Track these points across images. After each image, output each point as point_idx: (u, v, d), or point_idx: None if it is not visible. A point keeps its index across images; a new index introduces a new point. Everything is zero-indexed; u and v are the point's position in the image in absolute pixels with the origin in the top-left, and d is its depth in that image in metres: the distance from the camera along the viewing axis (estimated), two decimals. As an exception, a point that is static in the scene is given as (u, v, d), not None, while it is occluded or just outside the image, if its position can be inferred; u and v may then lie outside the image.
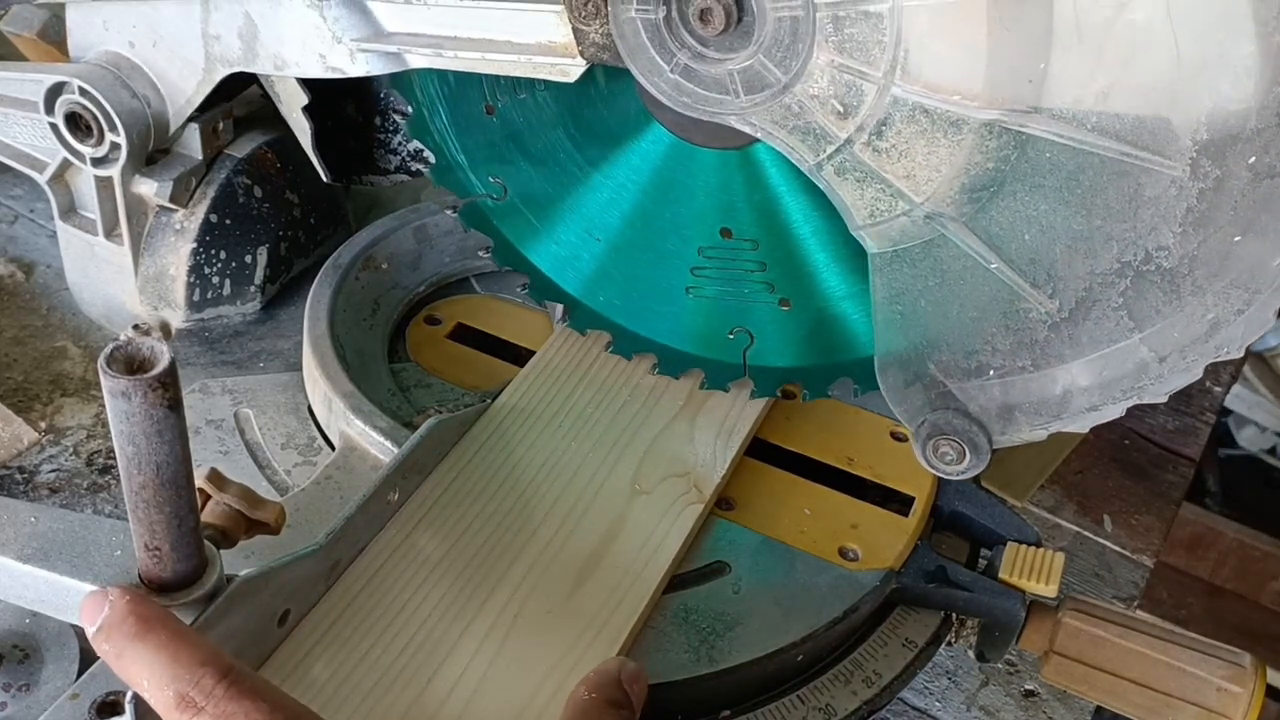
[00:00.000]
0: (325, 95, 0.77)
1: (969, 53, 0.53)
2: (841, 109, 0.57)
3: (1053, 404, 0.61)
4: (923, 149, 0.56)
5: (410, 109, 0.72)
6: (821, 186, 0.60)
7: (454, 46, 0.66)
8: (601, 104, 0.71)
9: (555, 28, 0.63)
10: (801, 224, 0.70)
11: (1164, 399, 0.59)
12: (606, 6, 0.60)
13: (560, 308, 0.78)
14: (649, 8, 0.59)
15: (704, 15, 0.57)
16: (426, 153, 0.76)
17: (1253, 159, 0.52)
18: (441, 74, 0.70)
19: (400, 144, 0.85)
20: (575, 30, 0.62)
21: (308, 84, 0.75)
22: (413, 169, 0.87)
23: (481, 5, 0.64)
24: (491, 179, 0.74)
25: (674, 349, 0.76)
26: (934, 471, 0.65)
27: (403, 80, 0.71)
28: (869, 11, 0.54)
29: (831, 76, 0.56)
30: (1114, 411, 0.60)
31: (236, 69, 0.74)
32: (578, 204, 0.75)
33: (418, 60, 0.68)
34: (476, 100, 0.72)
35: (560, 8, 0.61)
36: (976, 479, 0.78)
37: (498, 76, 0.69)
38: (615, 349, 0.77)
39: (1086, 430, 0.61)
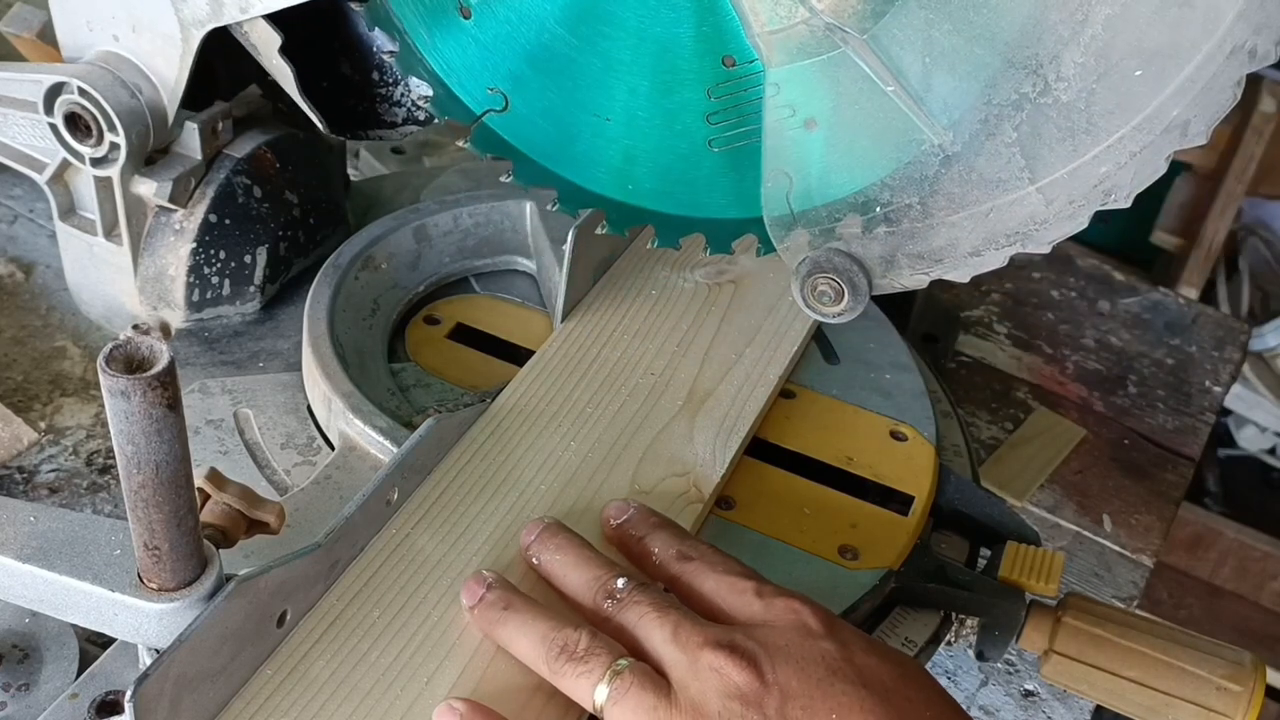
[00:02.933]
0: (318, 58, 0.76)
1: None
2: None
3: (936, 250, 0.60)
4: None
5: (395, 45, 0.69)
6: None
7: None
8: None
9: None
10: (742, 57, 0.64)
11: (1047, 249, 0.57)
12: None
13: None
14: None
15: None
16: (431, 99, 0.75)
17: None
18: None
19: (403, 95, 0.84)
20: None
21: (277, 23, 0.73)
22: (420, 117, 0.85)
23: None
24: (489, 90, 0.70)
25: (722, 219, 0.70)
26: (811, 314, 0.63)
27: (380, 13, 0.69)
28: None
29: None
30: (996, 259, 0.59)
31: (208, 26, 0.73)
32: (576, 90, 0.69)
33: None
34: (451, 7, 0.68)
35: None
36: (976, 478, 0.78)
37: None
38: (661, 242, 0.71)
39: (967, 279, 0.60)
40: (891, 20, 0.55)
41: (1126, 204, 0.55)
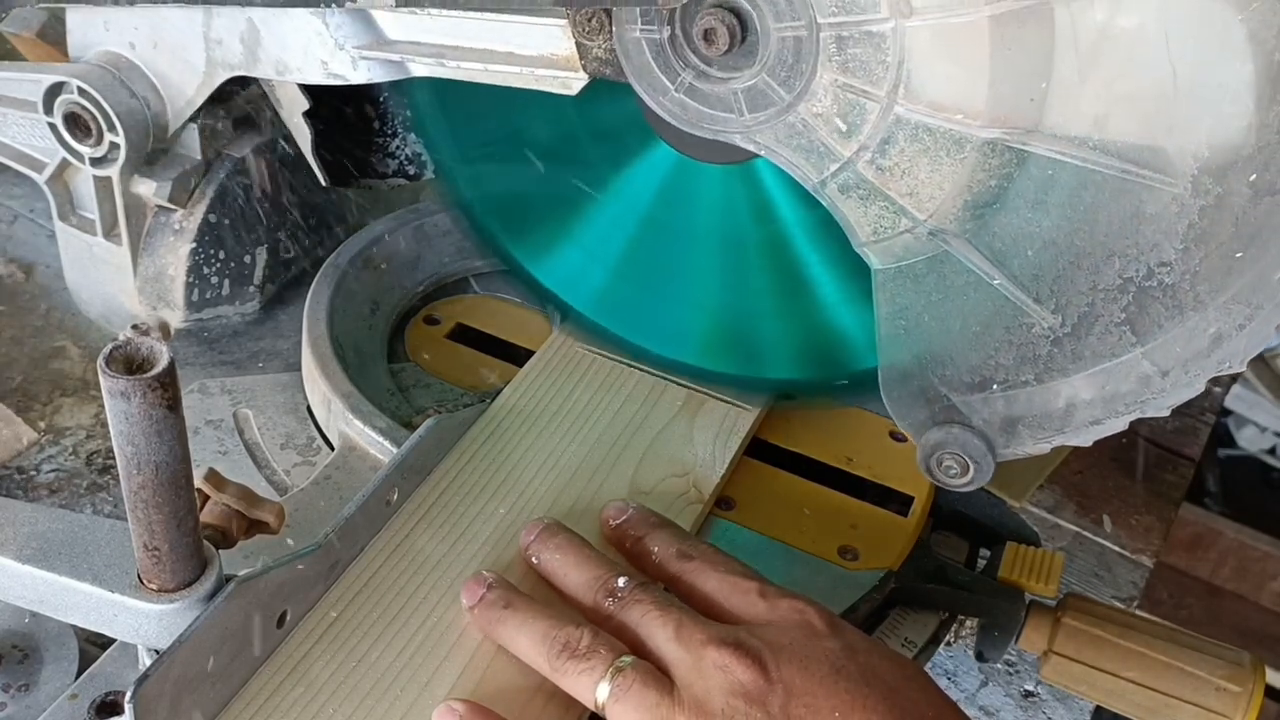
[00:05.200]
0: (324, 99, 0.77)
1: (971, 72, 0.53)
2: (845, 127, 0.57)
3: (1056, 417, 0.61)
4: (926, 167, 0.56)
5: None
6: (825, 204, 0.60)
7: (456, 56, 0.66)
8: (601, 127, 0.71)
9: (558, 41, 0.63)
10: (802, 234, 0.70)
11: (1166, 413, 0.59)
12: (610, 23, 0.60)
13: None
14: (653, 27, 0.59)
15: (708, 35, 0.57)
16: (424, 156, 0.77)
17: (1254, 176, 0.52)
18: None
19: (398, 147, 0.85)
20: (578, 45, 0.62)
21: (308, 89, 0.75)
22: (410, 172, 0.87)
23: (484, 16, 0.64)
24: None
25: (681, 363, 0.75)
26: (938, 484, 0.65)
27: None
28: (872, 32, 0.54)
29: (835, 95, 0.56)
30: (1117, 425, 0.60)
31: (238, 73, 0.74)
32: (582, 225, 0.75)
33: (420, 69, 0.67)
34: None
35: (564, 22, 0.61)
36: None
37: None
38: (738, 397, 0.76)
39: (1089, 444, 0.61)
40: (992, 219, 0.56)
41: (1241, 369, 0.56)
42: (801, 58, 0.56)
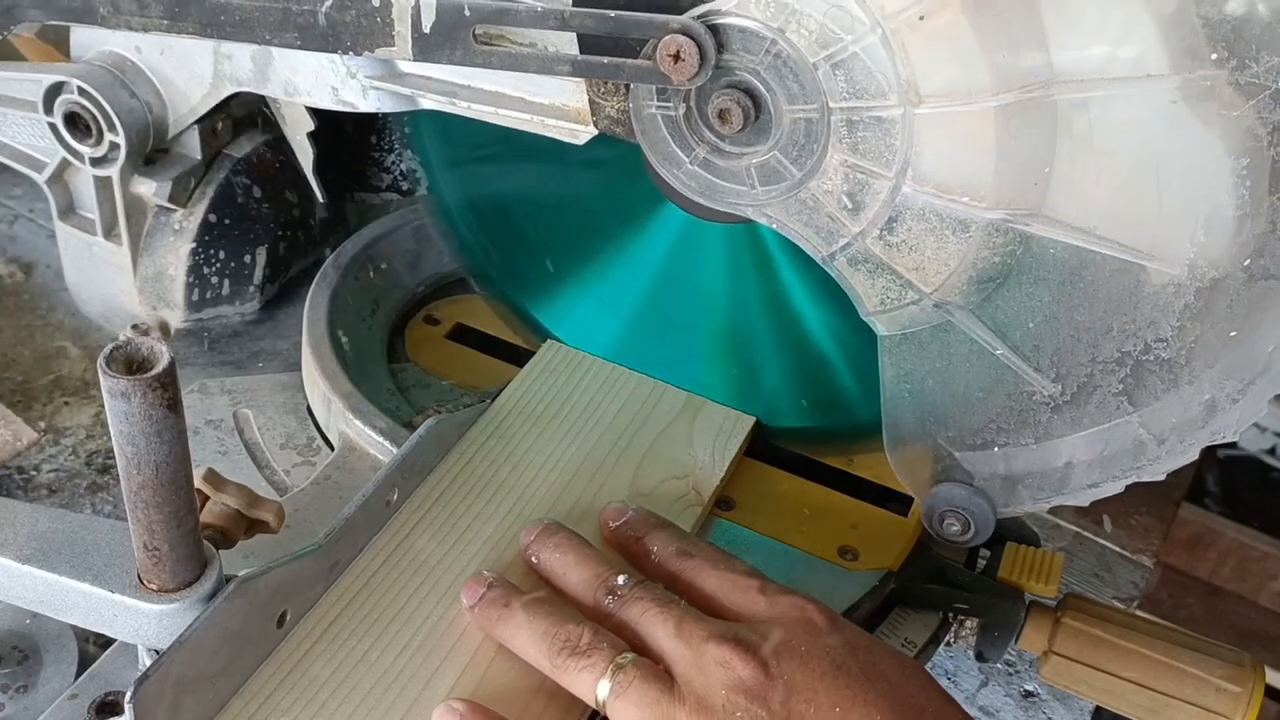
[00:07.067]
0: (325, 113, 0.77)
1: (977, 158, 0.55)
2: (853, 205, 0.58)
3: (1054, 478, 0.63)
4: (932, 244, 0.58)
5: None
6: (834, 275, 0.61)
7: (467, 96, 0.66)
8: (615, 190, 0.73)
9: (572, 94, 0.63)
10: (804, 293, 0.72)
11: (1162, 477, 0.61)
12: (627, 89, 0.61)
13: None
14: (669, 104, 0.60)
15: (722, 115, 0.58)
16: (418, 172, 0.77)
17: (1248, 261, 0.53)
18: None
19: (393, 162, 0.86)
20: (591, 102, 0.63)
21: (315, 112, 0.75)
22: (403, 187, 0.87)
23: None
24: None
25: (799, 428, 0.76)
26: (940, 540, 0.67)
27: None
28: (881, 118, 0.55)
29: (844, 174, 0.58)
30: (1113, 488, 0.62)
31: (245, 89, 0.74)
32: (592, 282, 0.77)
33: (430, 104, 0.68)
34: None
35: (580, 80, 0.62)
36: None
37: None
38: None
39: (1087, 504, 0.63)
40: (995, 294, 0.58)
41: (1235, 438, 0.58)
42: (813, 138, 0.58)
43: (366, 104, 0.70)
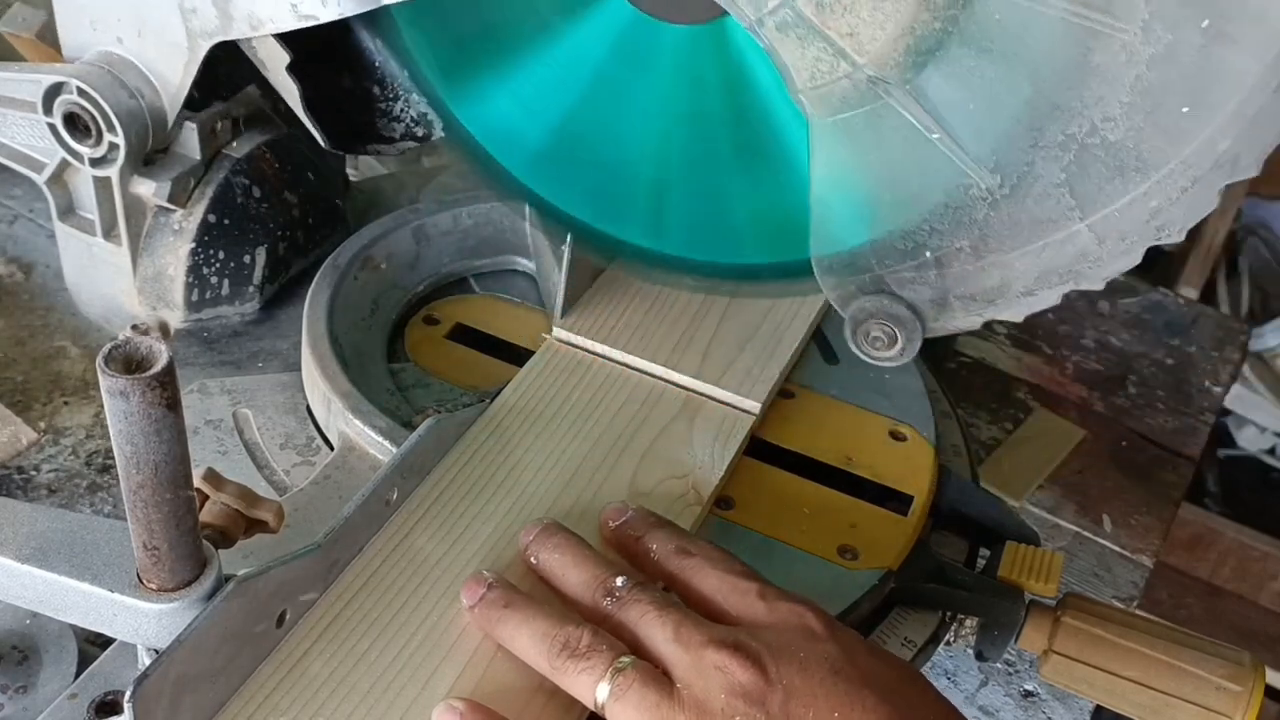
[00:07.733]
0: (319, 70, 0.76)
1: None
2: None
3: (989, 291, 0.60)
4: (867, 5, 0.54)
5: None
6: (763, 46, 0.57)
7: None
8: None
9: None
10: (778, 102, 0.65)
11: (1100, 285, 0.58)
12: None
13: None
14: None
15: None
16: (431, 115, 0.75)
17: (1206, 23, 0.50)
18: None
19: (402, 110, 0.84)
20: None
21: (288, 42, 0.73)
22: (419, 134, 0.85)
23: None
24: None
25: (625, 243, 0.72)
26: (865, 358, 0.64)
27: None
28: None
29: None
30: (1050, 298, 0.59)
31: (216, 39, 0.73)
32: (612, 141, 0.70)
33: None
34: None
35: None
36: (975, 478, 0.78)
37: None
38: (699, 287, 0.72)
39: (1021, 318, 0.60)
40: (934, 69, 0.55)
41: (1180, 238, 0.55)
42: None
43: (327, 11, 0.68)
